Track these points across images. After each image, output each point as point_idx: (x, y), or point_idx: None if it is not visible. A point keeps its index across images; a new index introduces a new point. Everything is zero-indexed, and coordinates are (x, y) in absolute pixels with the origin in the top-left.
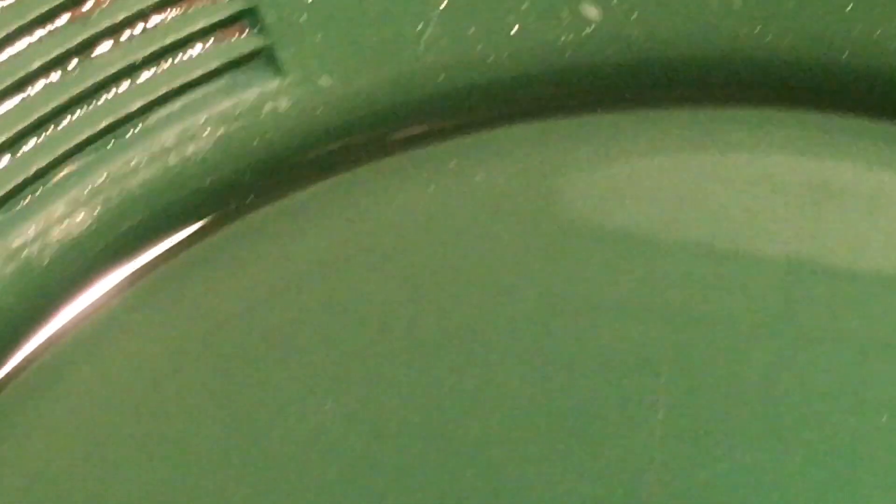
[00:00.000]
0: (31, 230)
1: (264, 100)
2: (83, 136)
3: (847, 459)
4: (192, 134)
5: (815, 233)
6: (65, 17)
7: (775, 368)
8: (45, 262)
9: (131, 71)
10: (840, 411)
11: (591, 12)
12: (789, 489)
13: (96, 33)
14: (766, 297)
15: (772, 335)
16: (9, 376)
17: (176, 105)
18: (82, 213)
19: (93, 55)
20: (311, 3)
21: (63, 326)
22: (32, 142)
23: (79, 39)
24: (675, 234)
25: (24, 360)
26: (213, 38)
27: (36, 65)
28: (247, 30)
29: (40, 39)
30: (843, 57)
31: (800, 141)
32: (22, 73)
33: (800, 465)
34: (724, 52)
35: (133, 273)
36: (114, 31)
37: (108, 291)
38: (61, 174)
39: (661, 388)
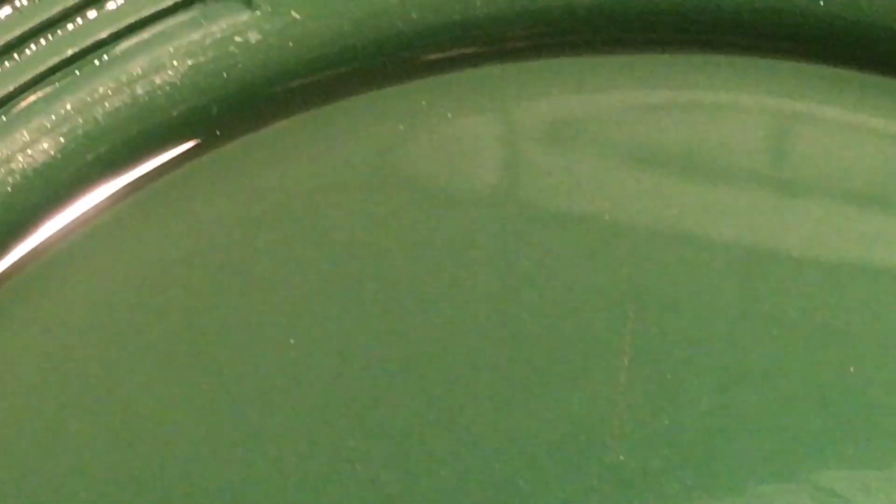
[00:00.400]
0: None
1: (234, 32)
2: (49, 64)
3: (806, 407)
4: (160, 64)
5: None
6: None
7: (741, 314)
8: (8, 189)
9: None
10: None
11: None
12: (751, 436)
13: None
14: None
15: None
16: None
17: (144, 35)
18: (47, 142)
19: None
20: None
21: (25, 255)
22: None
23: None
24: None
25: None
26: None
27: None
28: None
29: None
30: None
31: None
32: None
33: (762, 412)
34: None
35: (97, 204)
36: None
37: (71, 221)
38: (26, 102)
39: (626, 334)
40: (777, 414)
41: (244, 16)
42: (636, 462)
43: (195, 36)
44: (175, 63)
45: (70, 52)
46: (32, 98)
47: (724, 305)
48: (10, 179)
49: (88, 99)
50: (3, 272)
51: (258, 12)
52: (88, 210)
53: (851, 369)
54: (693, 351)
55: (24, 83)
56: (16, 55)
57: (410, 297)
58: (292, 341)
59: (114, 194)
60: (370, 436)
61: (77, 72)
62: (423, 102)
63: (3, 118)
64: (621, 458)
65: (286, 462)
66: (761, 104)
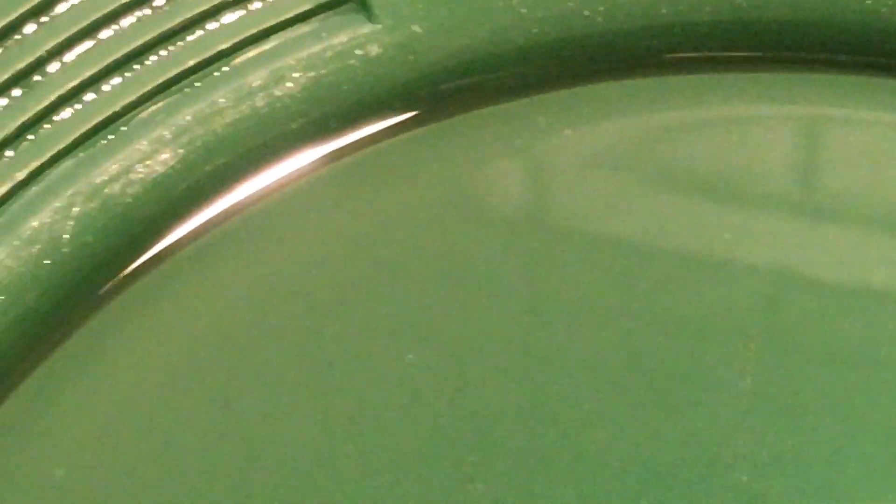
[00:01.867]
0: (114, 167)
1: (355, 45)
2: (170, 75)
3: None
4: (281, 76)
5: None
6: None
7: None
8: (128, 200)
9: (221, 10)
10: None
11: None
12: (876, 461)
13: None
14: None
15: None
16: (89, 311)
17: (265, 46)
18: (166, 153)
19: None
20: None
21: (143, 264)
22: (118, 78)
23: None
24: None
25: (102, 298)
26: None
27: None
28: None
29: None
30: (883, 13)
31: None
32: (111, 8)
33: (889, 436)
34: (824, 13)
35: (216, 215)
36: None
37: (189, 233)
38: (146, 112)
39: (749, 353)
40: (847, 451)
41: (365, 28)
42: (759, 484)
43: (315, 48)
44: (295, 75)
45: (191, 63)
46: (153, 108)
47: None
48: (129, 190)
49: (208, 110)
50: (123, 282)
51: (379, 25)
52: (206, 222)
53: None
54: (820, 373)
55: (145, 93)
56: (137, 65)
57: (530, 319)
58: (411, 356)
59: (233, 205)
60: (490, 456)
61: (198, 83)
62: (542, 119)
63: (124, 128)
64: (744, 478)
65: (399, 479)
66: (788, 116)
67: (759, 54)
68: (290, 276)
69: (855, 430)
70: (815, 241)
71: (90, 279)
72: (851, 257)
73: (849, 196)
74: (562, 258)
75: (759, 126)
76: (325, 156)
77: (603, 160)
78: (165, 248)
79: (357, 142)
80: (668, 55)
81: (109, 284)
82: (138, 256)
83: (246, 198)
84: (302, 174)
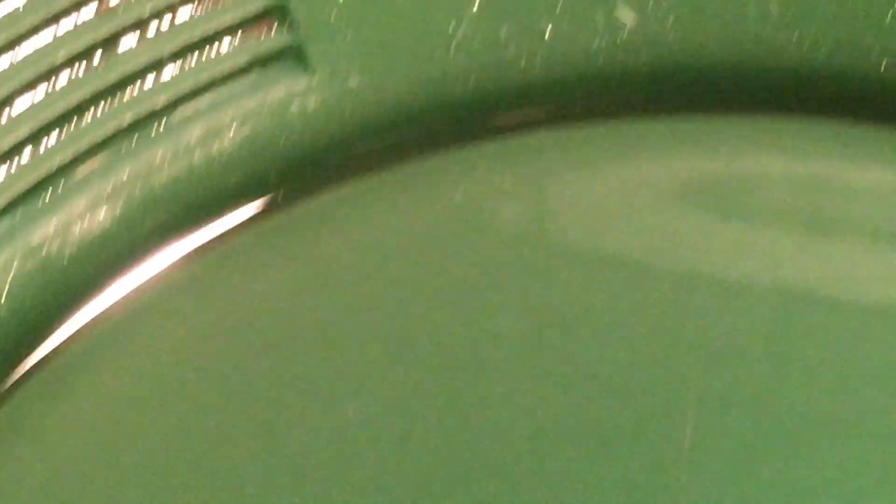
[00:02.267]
0: (51, 226)
1: (292, 98)
2: (107, 132)
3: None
4: (218, 131)
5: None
6: (91, 10)
7: (764, 394)
8: (66, 259)
9: (157, 66)
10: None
11: (627, 16)
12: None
13: (122, 27)
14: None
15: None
16: (29, 373)
17: (202, 102)
18: (104, 211)
19: (118, 49)
20: (343, 0)
21: (83, 325)
22: (55, 136)
23: (105, 33)
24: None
25: (43, 358)
26: (241, 34)
27: (61, 57)
28: (275, 26)
29: (66, 32)
30: (882, 68)
31: (830, 150)
32: (46, 66)
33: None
34: (759, 60)
35: (154, 272)
36: (140, 24)
37: (129, 291)
38: (84, 170)
39: (692, 391)
40: (853, 469)
41: (301, 81)
42: None
43: (252, 103)
44: (232, 130)
45: (127, 121)
46: (90, 166)
47: (802, 358)
48: (66, 251)
49: (146, 167)
50: (62, 342)
51: (316, 78)
52: (146, 279)
53: None
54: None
55: (82, 151)
56: (73, 123)
57: (478, 360)
58: (351, 408)
59: (172, 263)
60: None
61: (134, 140)
62: (481, 169)
63: (61, 188)
64: None
65: None
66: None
67: (691, 101)
68: (228, 331)
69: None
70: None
71: (27, 339)
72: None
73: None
74: (491, 317)
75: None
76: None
77: (544, 208)
78: (104, 311)
79: (294, 194)
80: (610, 103)
81: (44, 345)
82: (73, 314)
83: (180, 257)
84: (234, 232)
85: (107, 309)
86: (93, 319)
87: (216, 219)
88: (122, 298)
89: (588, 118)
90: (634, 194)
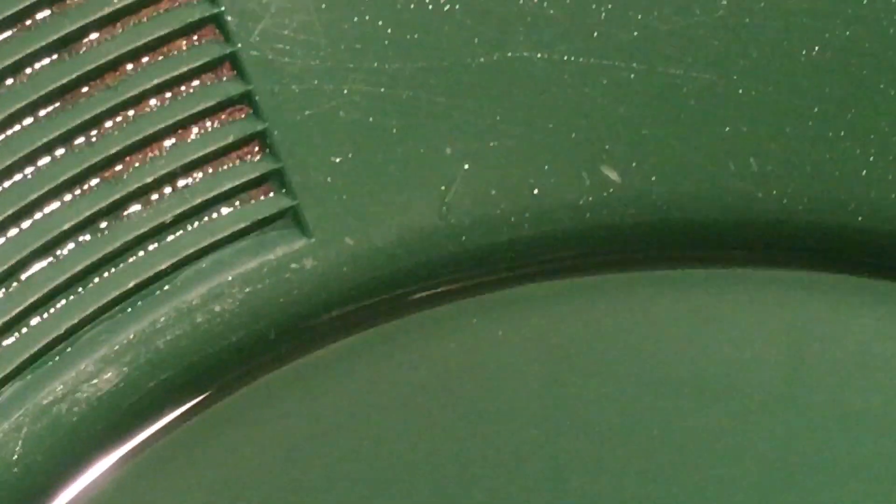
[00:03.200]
0: (60, 388)
1: (290, 259)
2: (112, 296)
3: None
4: (219, 293)
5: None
6: (96, 179)
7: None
8: (74, 419)
9: (160, 231)
10: None
11: (611, 174)
12: None
13: (126, 194)
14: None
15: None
16: None
17: (203, 264)
18: (110, 372)
19: (123, 216)
20: (337, 164)
21: (92, 483)
22: (62, 301)
23: (109, 200)
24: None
25: None
26: (239, 199)
27: (67, 225)
28: (273, 191)
29: (72, 200)
30: (860, 220)
31: (810, 303)
32: (53, 234)
33: None
34: (741, 213)
35: (160, 429)
36: (143, 192)
37: (134, 447)
38: (90, 333)
39: None
40: None
41: (299, 243)
42: None
43: (252, 264)
44: (233, 291)
45: (131, 284)
46: (96, 329)
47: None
48: (75, 409)
49: (150, 329)
50: (71, 501)
51: (313, 239)
52: (149, 437)
53: None
54: None
55: (88, 315)
56: (80, 288)
57: None
58: None
59: (176, 419)
60: None
61: (139, 302)
62: (474, 320)
63: (69, 350)
64: None
65: None
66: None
67: (675, 253)
68: (240, 487)
69: None
70: None
71: (38, 497)
72: None
73: None
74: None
75: (672, 320)
76: (267, 363)
77: (534, 357)
78: (109, 467)
79: (297, 352)
80: (593, 257)
81: (59, 497)
82: (80, 475)
83: (185, 412)
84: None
85: (110, 470)
86: (99, 478)
87: (220, 378)
88: (126, 459)
89: (578, 270)
90: (620, 341)
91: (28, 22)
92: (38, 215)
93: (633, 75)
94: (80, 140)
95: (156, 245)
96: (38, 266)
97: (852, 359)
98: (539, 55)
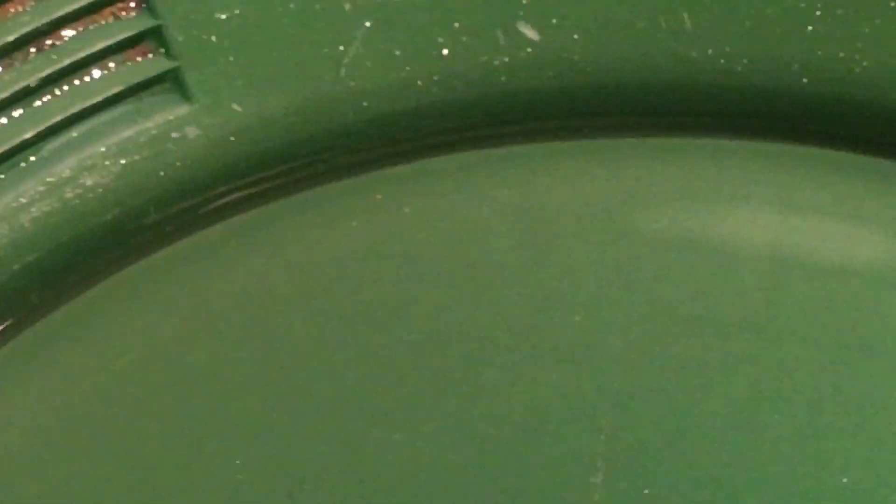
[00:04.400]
0: None
1: (171, 127)
2: None
3: None
4: (92, 164)
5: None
6: None
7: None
8: None
9: (24, 95)
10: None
11: (529, 32)
12: None
13: None
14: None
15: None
16: None
17: (74, 133)
18: None
19: None
20: (223, 20)
21: None
22: None
23: None
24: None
25: None
26: (114, 60)
27: None
28: (151, 51)
29: None
30: (804, 82)
31: (726, 176)
32: None
33: None
34: (673, 76)
35: (22, 319)
36: (5, 52)
37: None
38: None
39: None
40: None
41: (181, 109)
42: None
43: (128, 133)
44: (107, 163)
45: None
46: None
47: (711, 414)
48: None
49: (14, 205)
50: None
51: (196, 105)
52: (11, 324)
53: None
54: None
55: None
56: None
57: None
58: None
59: (46, 303)
60: None
61: (1, 175)
62: (379, 196)
63: None
64: None
65: None
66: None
67: (601, 120)
68: (115, 376)
69: None
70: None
71: None
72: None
73: None
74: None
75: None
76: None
77: (447, 236)
78: None
79: (179, 232)
80: (509, 126)
81: None
82: None
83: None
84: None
85: None
86: None
87: (94, 260)
88: None
89: (491, 141)
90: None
91: None
92: None
93: None
94: None
95: (20, 111)
96: None
97: (789, 230)
98: None
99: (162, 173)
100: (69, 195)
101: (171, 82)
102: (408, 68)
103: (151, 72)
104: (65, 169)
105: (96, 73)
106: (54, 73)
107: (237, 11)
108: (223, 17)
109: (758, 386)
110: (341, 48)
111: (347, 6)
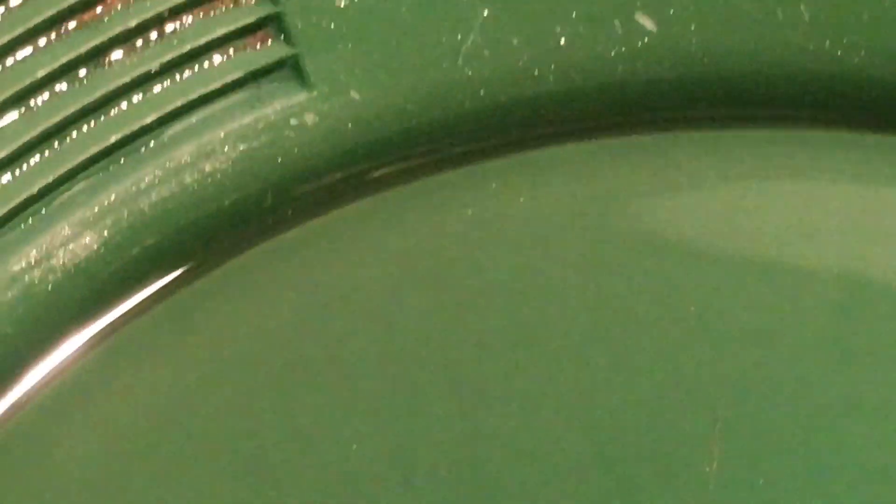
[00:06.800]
0: (33, 253)
1: (289, 114)
2: (92, 152)
3: None
4: (211, 150)
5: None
6: (74, 22)
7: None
8: (48, 287)
9: (146, 81)
10: None
11: (646, 22)
12: None
13: (108, 39)
14: (818, 314)
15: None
16: (9, 411)
17: (193, 118)
18: (89, 236)
19: (104, 63)
20: (342, 8)
21: (66, 359)
22: (37, 157)
23: (89, 46)
24: (726, 251)
25: (24, 393)
26: (234, 47)
27: (41, 73)
28: (271, 38)
29: (47, 45)
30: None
31: (862, 167)
32: (26, 82)
33: None
34: (790, 68)
35: (142, 301)
36: (127, 37)
37: (114, 321)
38: (67, 193)
39: (714, 435)
40: None
41: (300, 96)
42: None
43: (247, 119)
44: (226, 149)
45: (113, 139)
46: (74, 189)
47: (828, 401)
48: (50, 277)
49: (133, 189)
50: (45, 377)
51: (315, 92)
52: (132, 308)
53: None
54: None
55: (65, 172)
56: (56, 142)
57: (455, 400)
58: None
59: (161, 290)
60: None
61: (122, 160)
62: (493, 185)
63: (43, 211)
64: None
65: None
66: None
67: (717, 112)
68: (226, 364)
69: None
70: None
71: (7, 374)
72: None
73: None
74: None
75: (714, 187)
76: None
77: (564, 227)
78: (87, 341)
79: (298, 217)
80: (624, 116)
81: (31, 373)
82: (57, 347)
83: (179, 276)
84: (229, 255)
85: (88, 343)
86: (76, 353)
87: (212, 244)
88: (106, 331)
89: (604, 130)
90: (655, 206)
91: None
92: (9, 61)
93: None
94: None
95: (140, 97)
96: (8, 118)
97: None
98: None
99: (280, 159)
100: (188, 180)
101: (289, 69)
102: (525, 57)
103: (270, 59)
104: (184, 154)
105: (216, 59)
106: (175, 59)
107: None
108: (342, 4)
109: (872, 376)
110: (459, 36)
111: None
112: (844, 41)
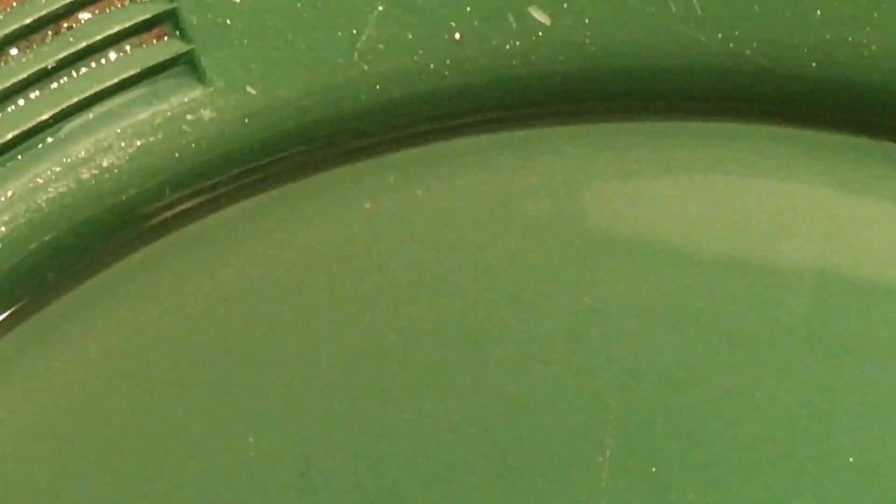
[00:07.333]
0: None
1: (186, 110)
2: None
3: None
4: (108, 146)
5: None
6: None
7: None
8: None
9: (42, 77)
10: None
11: (540, 16)
12: None
13: (4, 36)
14: (792, 308)
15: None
16: None
17: (90, 114)
18: None
19: (1, 60)
20: (237, 4)
21: None
22: None
23: None
24: (611, 237)
25: None
26: (130, 43)
27: None
28: (167, 34)
29: None
30: (813, 66)
31: (740, 158)
32: None
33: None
34: (683, 60)
35: (41, 297)
36: (22, 34)
37: (10, 316)
38: None
39: (608, 425)
40: None
41: (196, 92)
42: None
43: (144, 115)
44: (123, 144)
45: (10, 136)
46: None
47: (720, 391)
48: None
49: (31, 185)
50: None
51: (211, 88)
52: (29, 303)
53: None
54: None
55: None
56: None
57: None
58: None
59: (62, 283)
60: None
61: (19, 156)
62: (391, 179)
63: None
64: None
65: None
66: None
67: (612, 104)
68: (128, 359)
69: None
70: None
71: None
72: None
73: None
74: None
75: (609, 178)
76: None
77: (461, 219)
78: None
79: (194, 213)
80: (521, 109)
81: None
82: None
83: (69, 278)
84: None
85: None
86: None
87: (111, 239)
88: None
89: (502, 123)
90: (555, 199)
91: None
92: None
93: None
94: None
95: (37, 93)
96: None
97: (789, 215)
98: None
99: (177, 155)
100: (85, 176)
101: (186, 65)
102: (420, 52)
103: (167, 55)
104: (81, 150)
105: (112, 55)
106: (71, 55)
107: None
108: (237, 0)
109: (762, 365)
110: (354, 32)
111: None
112: (736, 33)
